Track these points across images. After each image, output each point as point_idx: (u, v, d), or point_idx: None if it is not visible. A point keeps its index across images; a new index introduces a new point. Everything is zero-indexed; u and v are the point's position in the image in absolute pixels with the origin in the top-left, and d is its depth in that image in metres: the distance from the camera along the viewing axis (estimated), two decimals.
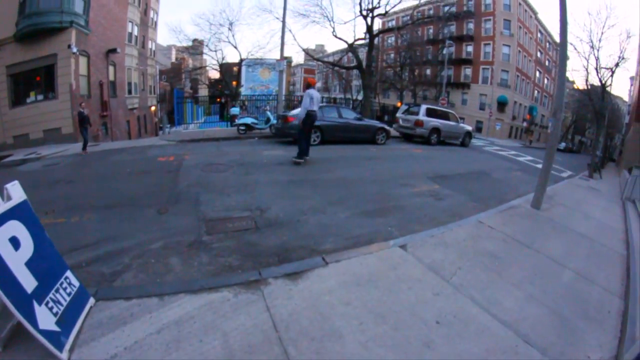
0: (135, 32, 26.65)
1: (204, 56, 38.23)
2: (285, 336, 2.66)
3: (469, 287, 3.75)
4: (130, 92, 25.51)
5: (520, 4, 45.75)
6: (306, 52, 23.15)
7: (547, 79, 58.80)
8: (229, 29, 30.92)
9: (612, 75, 25.64)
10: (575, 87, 79.72)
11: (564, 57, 7.66)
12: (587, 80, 26.21)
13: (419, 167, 10.84)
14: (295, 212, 5.51)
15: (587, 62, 27.69)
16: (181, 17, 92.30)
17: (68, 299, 2.53)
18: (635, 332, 3.41)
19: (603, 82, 24.12)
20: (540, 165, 19.09)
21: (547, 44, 58.25)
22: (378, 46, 53.34)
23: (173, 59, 55.32)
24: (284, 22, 17.17)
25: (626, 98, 51.35)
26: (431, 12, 45.19)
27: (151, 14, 32.14)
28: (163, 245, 4.23)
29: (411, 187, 7.89)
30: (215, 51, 32.82)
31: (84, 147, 12.57)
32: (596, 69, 23.86)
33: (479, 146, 22.98)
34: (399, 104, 31.23)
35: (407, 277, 3.70)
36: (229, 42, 32.13)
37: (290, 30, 24.42)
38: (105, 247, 4.13)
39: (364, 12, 21.12)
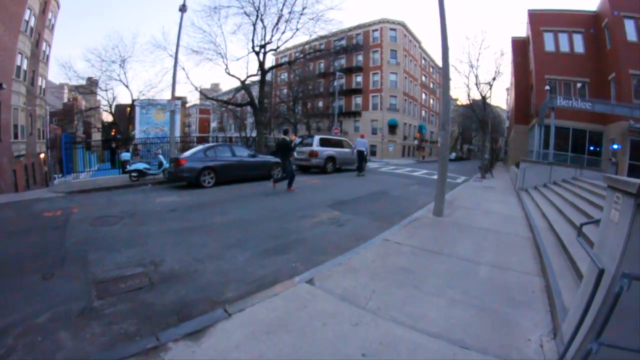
0: (25, 66, 23.48)
1: (97, 97, 35.58)
2: None
3: (388, 308, 3.62)
4: (16, 136, 22.19)
5: (405, 35, 49.89)
6: (199, 91, 22.50)
7: (433, 99, 65.10)
8: (121, 66, 29.32)
9: (490, 88, 27.98)
10: (459, 102, 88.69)
11: (446, 77, 8.70)
12: (469, 95, 29.00)
13: (318, 196, 10.87)
14: (191, 261, 5.12)
15: (468, 79, 30.77)
16: (73, 51, 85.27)
17: None
18: (563, 300, 3.57)
19: (483, 95, 26.65)
20: (435, 177, 20.61)
21: (431, 68, 64.59)
22: (271, 82, 54.36)
23: (65, 99, 49.87)
24: (176, 58, 16.67)
25: (504, 106, 58.52)
26: (322, 46, 47.10)
27: (43, 46, 28.74)
28: (50, 317, 3.66)
29: (311, 217, 7.83)
30: (106, 90, 30.87)
31: None
32: (476, 84, 26.31)
33: (375, 168, 23.69)
34: (293, 137, 31.48)
35: (320, 313, 3.47)
36: (121, 80, 29.84)
37: (183, 69, 23.83)
38: None
39: (256, 48, 21.27)
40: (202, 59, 21.79)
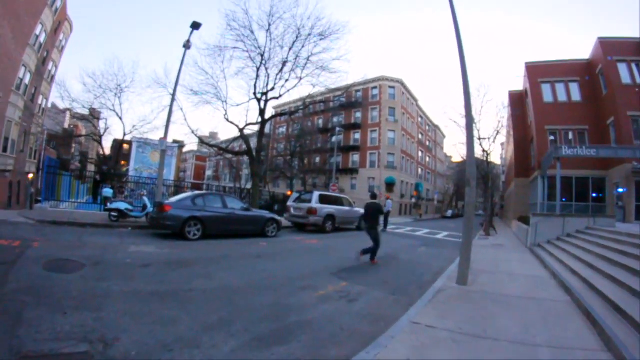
0: (27, 80, 22.75)
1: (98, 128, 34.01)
2: None
3: None
4: (5, 149, 21.04)
5: (403, 92, 50.20)
6: (196, 134, 21.37)
7: (429, 157, 65.76)
8: (117, 95, 28.15)
9: (494, 142, 28.25)
10: (453, 160, 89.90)
11: (470, 133, 8.01)
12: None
13: (319, 261, 9.53)
14: (155, 346, 3.64)
15: None
16: (69, 71, 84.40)
17: None
18: None
19: (486, 150, 26.02)
20: (440, 236, 20.70)
21: (427, 126, 65.48)
22: (270, 134, 54.52)
23: (66, 125, 48.48)
24: (173, 96, 15.79)
25: (498, 161, 58.53)
26: (322, 103, 47.81)
27: (50, 65, 28.14)
28: None
29: (314, 289, 6.38)
30: (98, 119, 29.53)
31: None
32: (479, 139, 25.61)
33: None
34: (289, 193, 30.71)
35: None
36: (114, 111, 28.41)
37: (181, 109, 22.97)
38: None
39: (258, 95, 20.50)
40: (201, 101, 20.83)
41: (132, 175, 27.37)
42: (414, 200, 53.50)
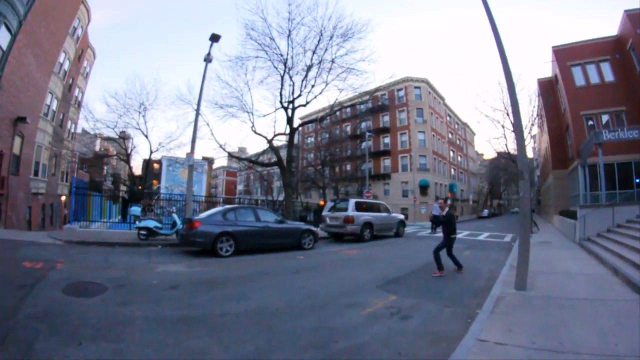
0: (54, 107, 23.28)
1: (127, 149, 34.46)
2: None
3: None
4: (36, 173, 21.39)
5: (429, 92, 49.10)
6: (223, 148, 21.00)
7: (460, 157, 64.15)
8: (142, 114, 27.76)
9: (529, 133, 26.77)
10: (485, 158, 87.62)
11: (518, 119, 7.22)
12: (506, 146, 27.08)
13: (362, 273, 8.77)
14: None
15: (504, 128, 28.68)
16: (92, 92, 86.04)
17: None
18: None
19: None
20: (481, 237, 19.73)
21: (456, 125, 63.89)
22: (299, 145, 54.32)
23: (97, 148, 49.83)
24: (197, 110, 15.43)
25: (530, 155, 56.45)
26: (349, 109, 47.53)
27: (76, 91, 28.86)
28: None
29: (361, 307, 5.64)
30: (124, 139, 29.44)
31: None
32: (513, 131, 24.35)
33: (413, 233, 21.82)
34: (322, 203, 30.12)
35: None
36: (140, 129, 27.97)
37: (207, 124, 22.64)
38: None
39: (285, 104, 20.00)
40: (226, 114, 20.47)
41: (164, 193, 27.38)
42: (449, 201, 51.86)
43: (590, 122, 22.62)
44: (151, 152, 29.14)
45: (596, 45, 24.41)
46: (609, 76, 23.61)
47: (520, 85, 25.35)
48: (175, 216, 13.74)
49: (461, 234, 20.13)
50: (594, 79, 24.07)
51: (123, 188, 38.71)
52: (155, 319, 4.65)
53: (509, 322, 4.71)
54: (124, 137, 30.22)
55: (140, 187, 30.28)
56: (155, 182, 36.48)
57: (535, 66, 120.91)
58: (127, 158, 30.42)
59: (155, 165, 38.54)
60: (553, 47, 26.89)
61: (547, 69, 46.22)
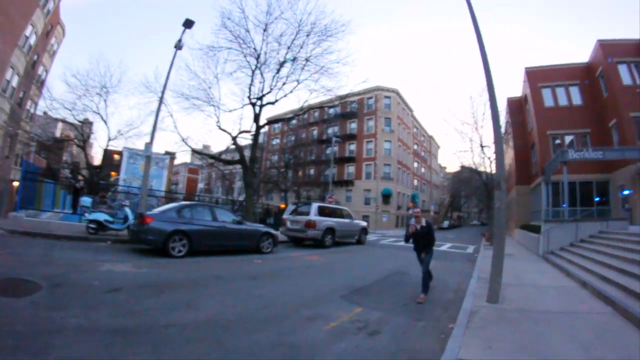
0: (15, 83, 21.70)
1: (91, 139, 31.68)
2: None
3: None
4: None
5: (399, 102, 49.69)
6: (185, 142, 19.88)
7: (424, 168, 65.55)
8: (103, 97, 25.56)
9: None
10: (447, 171, 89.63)
11: (498, 128, 6.98)
12: (473, 159, 27.40)
13: (324, 281, 8.31)
14: None
15: (471, 142, 29.02)
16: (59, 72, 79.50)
17: None
18: None
19: (489, 157, 25.19)
20: (444, 248, 19.81)
21: (422, 137, 65.24)
22: (263, 146, 53.47)
23: (58, 134, 46.31)
24: (161, 98, 14.68)
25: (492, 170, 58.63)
26: (317, 114, 47.08)
27: (40, 69, 26.80)
28: None
29: (324, 320, 5.14)
30: (83, 124, 27.21)
31: None
32: (481, 146, 24.67)
33: (375, 241, 21.71)
34: (282, 206, 29.52)
35: None
36: (99, 113, 25.77)
37: (171, 115, 21.10)
38: None
39: (253, 100, 19.09)
40: (191, 106, 19.46)
41: (122, 185, 25.60)
42: (410, 211, 52.31)
43: (557, 141, 23.90)
44: (109, 140, 27.03)
45: (567, 69, 26.09)
46: (577, 100, 25.38)
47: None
48: (127, 210, 12.70)
49: None
50: (563, 101, 25.62)
51: (80, 178, 36.40)
52: (89, 328, 3.97)
53: (486, 338, 4.46)
54: (84, 122, 28.20)
55: (94, 178, 28.34)
56: (113, 173, 34.47)
57: (503, 84, 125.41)
58: (83, 144, 28.39)
59: (116, 156, 36.46)
60: (526, 68, 28.28)
61: (516, 88, 47.79)
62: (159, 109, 14.42)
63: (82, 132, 27.26)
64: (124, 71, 62.12)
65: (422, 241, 7.22)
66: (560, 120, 24.88)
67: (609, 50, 22.69)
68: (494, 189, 6.54)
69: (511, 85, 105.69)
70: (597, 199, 23.01)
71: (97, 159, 39.57)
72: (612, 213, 20.97)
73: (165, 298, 5.49)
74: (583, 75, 25.15)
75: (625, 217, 16.74)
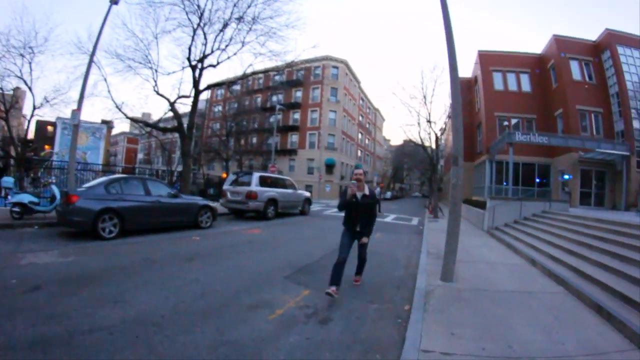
0: None
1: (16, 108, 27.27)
2: None
3: None
4: None
5: (347, 74, 49.53)
6: (119, 108, 17.56)
7: (368, 140, 66.64)
8: (27, 59, 21.73)
9: (445, 124, 27.89)
10: (391, 144, 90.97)
11: (457, 96, 6.76)
12: (419, 133, 27.34)
13: (266, 258, 7.82)
14: None
15: (419, 116, 29.16)
16: None
17: None
18: None
19: (436, 133, 25.37)
20: (388, 219, 19.98)
21: (368, 109, 66.02)
22: (205, 113, 51.06)
23: None
24: (92, 57, 13.03)
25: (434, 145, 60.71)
26: (261, 81, 46.17)
27: None
28: None
29: (268, 307, 4.76)
30: (2, 91, 23.24)
31: None
32: (428, 121, 24.81)
33: (319, 211, 21.56)
34: (224, 175, 28.58)
35: None
36: (22, 78, 22.05)
37: (105, 79, 18.22)
38: None
39: (193, 62, 17.55)
40: (125, 68, 17.54)
41: (56, 160, 22.77)
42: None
43: (505, 123, 25.53)
44: (34, 108, 24.04)
45: (520, 57, 28.63)
46: (526, 87, 27.51)
47: (442, 78, 26.53)
48: (54, 188, 11.32)
49: None
50: (513, 86, 27.57)
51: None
52: (2, 344, 3.27)
53: (447, 323, 4.32)
54: (15, 91, 24.72)
55: (21, 154, 25.37)
56: (47, 147, 31.62)
57: (460, 64, 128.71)
58: (6, 115, 25.00)
59: (50, 128, 33.19)
60: (479, 50, 29.67)
61: (466, 69, 48.94)
62: (88, 71, 12.86)
63: (4, 100, 23.99)
64: (52, 28, 55.07)
65: (361, 215, 5.48)
66: (508, 103, 26.61)
67: (563, 45, 24.65)
68: (453, 164, 6.25)
69: (461, 66, 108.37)
70: (537, 180, 24.87)
71: (30, 131, 35.58)
72: (552, 194, 22.67)
73: (90, 293, 4.78)
74: (535, 65, 27.17)
75: (565, 199, 17.67)
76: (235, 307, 4.64)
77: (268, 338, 3.75)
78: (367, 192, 5.51)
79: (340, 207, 5.61)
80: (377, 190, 22.46)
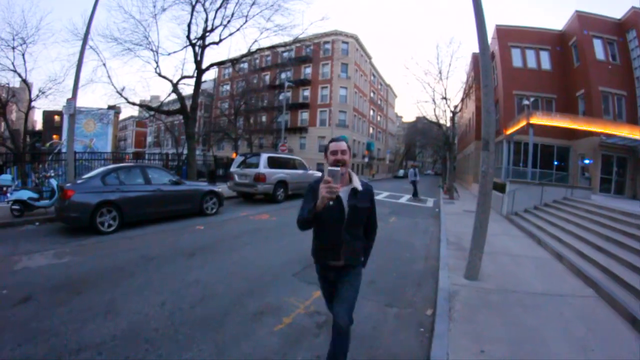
0: None
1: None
2: None
3: None
4: None
5: (357, 49, 48.11)
6: (120, 93, 16.64)
7: (380, 116, 65.08)
8: (19, 51, 20.91)
9: (462, 102, 27.03)
10: (404, 120, 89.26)
11: (487, 74, 6.09)
12: (434, 110, 26.55)
13: (274, 250, 7.33)
14: None
15: (434, 92, 28.31)
16: None
17: None
18: None
19: (452, 110, 24.57)
20: (402, 200, 19.76)
21: (379, 85, 64.25)
22: (213, 94, 50.25)
23: None
24: (85, 40, 12.22)
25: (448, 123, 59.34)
26: (269, 58, 45.33)
27: None
28: None
29: (275, 315, 4.32)
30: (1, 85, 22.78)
31: None
32: (443, 98, 24.20)
33: None
34: (234, 155, 27.83)
35: None
36: (16, 71, 21.28)
37: (104, 64, 16.99)
38: None
39: (193, 40, 16.65)
40: (124, 50, 16.60)
41: (64, 152, 22.23)
42: (366, 159, 52.26)
43: (525, 102, 24.06)
44: (30, 101, 23.66)
45: (540, 33, 26.01)
46: (546, 64, 25.44)
47: (459, 53, 25.30)
48: (53, 182, 10.83)
49: (381, 195, 19.52)
50: (532, 64, 25.97)
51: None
52: None
53: (476, 337, 3.90)
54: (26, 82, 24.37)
55: (23, 147, 24.87)
56: (55, 137, 31.22)
57: (468, 39, 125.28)
58: (3, 109, 24.44)
59: (57, 118, 32.83)
60: (497, 25, 27.81)
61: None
62: (81, 57, 12.13)
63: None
64: (42, 17, 53.58)
65: (347, 234, 2.75)
66: (527, 81, 25.15)
67: (585, 22, 22.84)
68: (483, 149, 5.65)
69: (475, 41, 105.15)
70: (555, 162, 23.75)
71: (38, 123, 35.38)
72: (570, 179, 21.69)
73: (80, 303, 4.35)
74: (555, 42, 25.36)
75: (586, 186, 17.05)
76: (237, 315, 4.22)
77: (274, 357, 3.33)
78: (358, 185, 2.76)
79: (304, 223, 2.70)
80: (411, 171, 21.53)
